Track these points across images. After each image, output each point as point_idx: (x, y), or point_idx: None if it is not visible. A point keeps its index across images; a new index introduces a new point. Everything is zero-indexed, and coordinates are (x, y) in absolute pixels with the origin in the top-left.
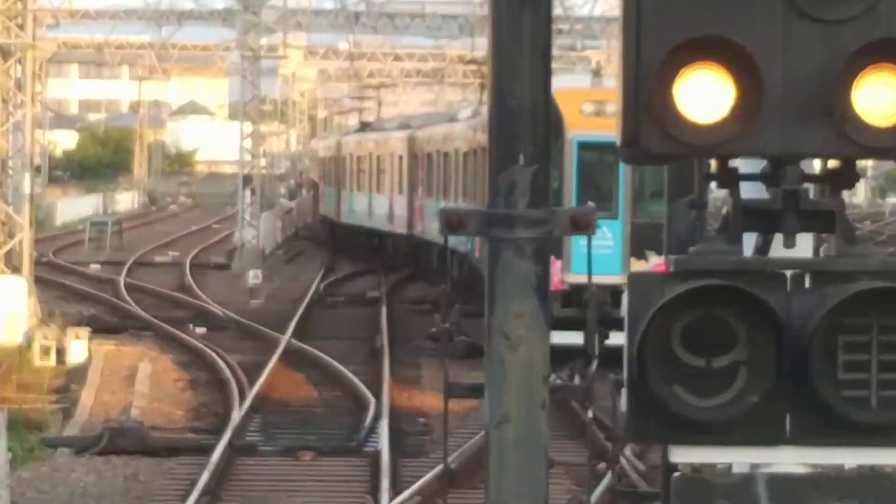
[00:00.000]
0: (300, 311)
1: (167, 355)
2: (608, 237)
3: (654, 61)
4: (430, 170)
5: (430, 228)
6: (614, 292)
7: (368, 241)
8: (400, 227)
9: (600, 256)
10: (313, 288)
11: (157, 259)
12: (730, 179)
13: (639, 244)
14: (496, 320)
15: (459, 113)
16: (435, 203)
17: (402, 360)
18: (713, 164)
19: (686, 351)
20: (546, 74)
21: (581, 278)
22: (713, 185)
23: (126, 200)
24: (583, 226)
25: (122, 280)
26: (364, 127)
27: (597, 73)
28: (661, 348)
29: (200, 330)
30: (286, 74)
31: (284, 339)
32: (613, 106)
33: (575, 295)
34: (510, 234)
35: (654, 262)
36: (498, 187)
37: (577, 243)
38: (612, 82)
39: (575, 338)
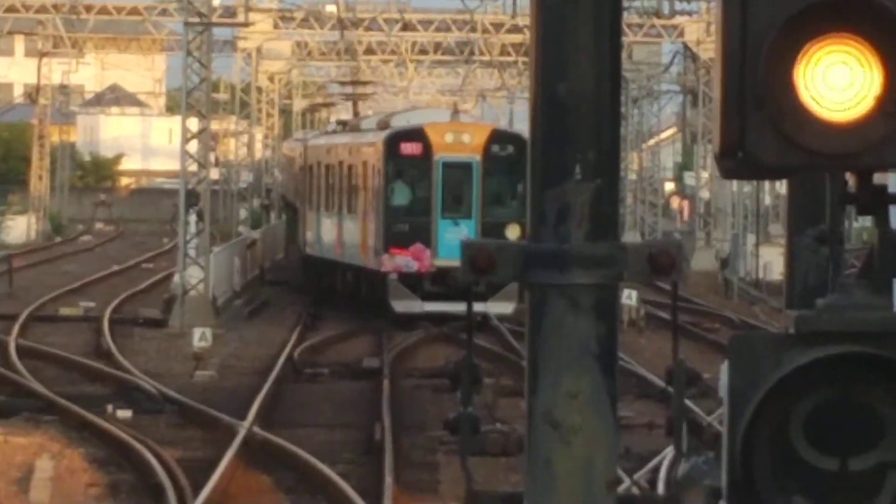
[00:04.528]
0: (266, 388)
1: (77, 449)
2: (465, 232)
3: (767, 34)
4: None
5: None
6: None
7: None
8: None
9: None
10: (285, 354)
11: (64, 312)
12: (876, 202)
13: (487, 237)
14: (540, 402)
15: None
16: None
17: (410, 457)
18: (852, 180)
19: (811, 447)
20: (614, 50)
21: (446, 262)
22: (853, 209)
23: (19, 227)
24: (666, 268)
25: (12, 342)
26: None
27: (455, 112)
28: (775, 443)
29: (124, 414)
30: (248, 50)
31: (244, 427)
32: (468, 136)
33: (440, 275)
34: (561, 279)
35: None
36: (543, 212)
37: (444, 230)
38: (470, 118)
39: (446, 307)
